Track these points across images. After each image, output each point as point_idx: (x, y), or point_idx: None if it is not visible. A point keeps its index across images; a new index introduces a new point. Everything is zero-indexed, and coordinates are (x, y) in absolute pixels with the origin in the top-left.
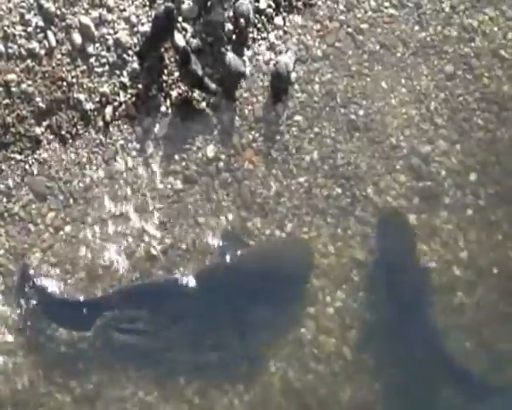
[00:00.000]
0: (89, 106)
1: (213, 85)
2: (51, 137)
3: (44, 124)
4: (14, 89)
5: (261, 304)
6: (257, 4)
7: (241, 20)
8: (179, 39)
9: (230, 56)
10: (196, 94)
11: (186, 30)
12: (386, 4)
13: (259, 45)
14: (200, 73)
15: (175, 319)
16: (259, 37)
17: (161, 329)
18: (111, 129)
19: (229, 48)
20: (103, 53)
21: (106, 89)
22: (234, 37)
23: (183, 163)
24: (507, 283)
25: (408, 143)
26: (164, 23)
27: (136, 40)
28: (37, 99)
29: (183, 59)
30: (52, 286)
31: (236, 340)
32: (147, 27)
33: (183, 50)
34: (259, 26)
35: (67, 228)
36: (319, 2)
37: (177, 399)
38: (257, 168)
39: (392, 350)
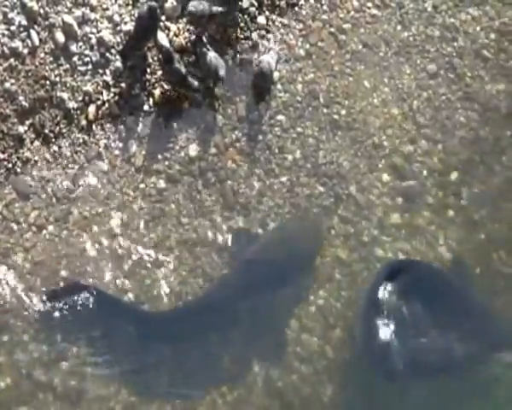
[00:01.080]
0: (72, 105)
1: (196, 83)
2: (34, 135)
3: (27, 123)
4: None
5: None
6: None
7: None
8: (162, 38)
9: (212, 56)
10: (179, 92)
11: (169, 29)
12: (369, 4)
13: (242, 44)
14: (183, 71)
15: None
16: (242, 36)
17: (144, 328)
18: (94, 128)
19: (210, 47)
20: (86, 52)
21: (89, 88)
22: (217, 36)
23: (166, 162)
24: (489, 282)
25: (390, 143)
26: (147, 22)
27: (119, 39)
28: (21, 98)
29: (165, 58)
30: None
31: (219, 339)
32: (130, 26)
33: (166, 51)
34: (242, 25)
35: (50, 227)
36: (302, 2)
37: (160, 399)
38: (240, 168)
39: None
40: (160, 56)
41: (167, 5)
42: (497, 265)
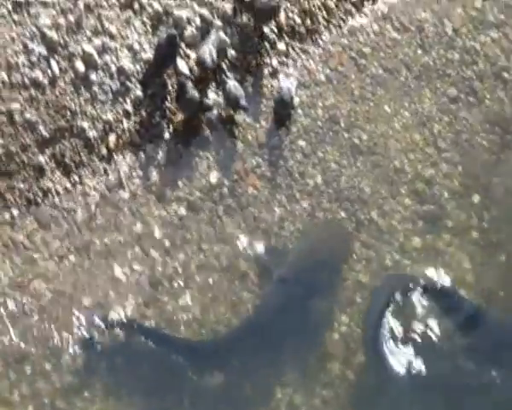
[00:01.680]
0: (92, 134)
1: (211, 102)
2: (55, 165)
3: (48, 152)
4: (17, 118)
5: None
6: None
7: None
8: (182, 66)
9: (231, 84)
10: (199, 120)
11: (189, 56)
12: (389, 27)
13: (262, 70)
14: (197, 99)
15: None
16: (262, 62)
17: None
18: (115, 156)
19: (230, 75)
20: (106, 81)
21: (109, 116)
22: (236, 62)
23: (187, 190)
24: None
25: (412, 167)
26: (167, 50)
27: (139, 67)
28: (41, 128)
29: (180, 89)
30: None
31: (242, 365)
32: (150, 54)
33: (179, 82)
34: (262, 51)
35: (72, 257)
36: (321, 27)
37: None
38: (260, 193)
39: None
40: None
41: (187, 33)
42: None
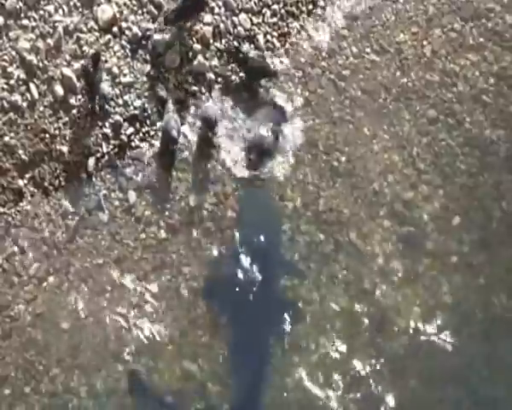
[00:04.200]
0: (71, 157)
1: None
2: (34, 189)
3: (27, 176)
4: None
5: None
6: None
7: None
8: (161, 89)
9: (208, 105)
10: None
11: (168, 80)
12: (368, 50)
13: (242, 94)
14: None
15: None
16: (242, 85)
17: None
18: (94, 180)
19: (211, 96)
20: (85, 104)
21: (88, 140)
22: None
23: (166, 212)
24: (490, 327)
25: (391, 189)
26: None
27: (118, 91)
28: (20, 151)
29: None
30: None
31: None
32: (129, 78)
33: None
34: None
35: (51, 279)
36: (300, 49)
37: None
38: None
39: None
40: None
41: (166, 56)
42: (497, 309)
